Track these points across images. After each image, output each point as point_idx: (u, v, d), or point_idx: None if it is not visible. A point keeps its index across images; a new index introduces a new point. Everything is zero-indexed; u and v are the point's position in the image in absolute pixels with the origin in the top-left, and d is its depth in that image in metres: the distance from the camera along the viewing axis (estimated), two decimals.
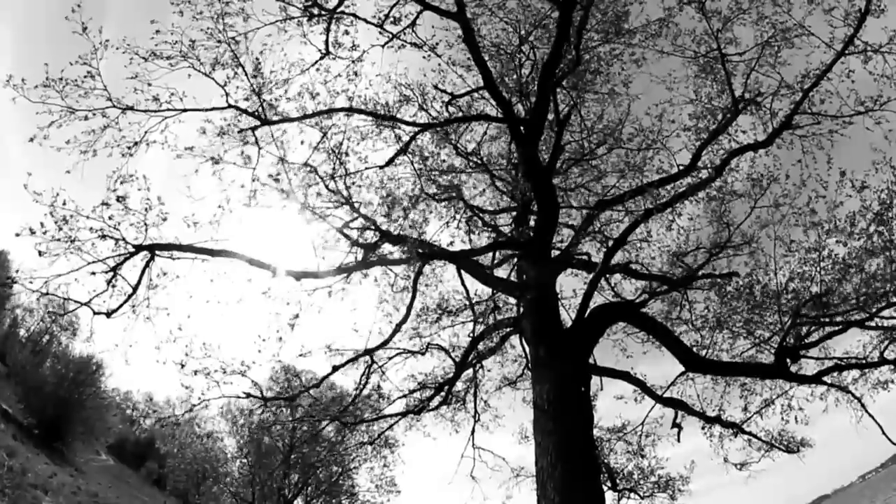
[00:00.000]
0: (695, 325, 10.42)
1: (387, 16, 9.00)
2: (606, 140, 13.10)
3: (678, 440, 12.23)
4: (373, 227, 11.88)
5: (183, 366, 7.56)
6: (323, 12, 9.08)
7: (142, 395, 29.81)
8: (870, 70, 8.84)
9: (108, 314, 6.99)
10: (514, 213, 13.55)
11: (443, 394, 12.55)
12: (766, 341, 9.43)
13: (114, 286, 7.13)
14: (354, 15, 8.97)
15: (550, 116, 11.07)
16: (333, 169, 11.92)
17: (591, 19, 10.48)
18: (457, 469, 14.14)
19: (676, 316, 11.83)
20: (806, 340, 9.33)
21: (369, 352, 10.03)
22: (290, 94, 11.38)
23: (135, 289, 7.17)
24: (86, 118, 7.56)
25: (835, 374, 9.50)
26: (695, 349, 10.95)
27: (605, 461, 12.95)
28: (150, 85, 7.84)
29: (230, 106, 8.55)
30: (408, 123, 10.56)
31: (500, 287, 11.81)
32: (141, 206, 7.14)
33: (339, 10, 8.91)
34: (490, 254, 14.92)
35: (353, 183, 12.22)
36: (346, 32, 9.84)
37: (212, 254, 7.41)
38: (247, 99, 8.75)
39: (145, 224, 7.10)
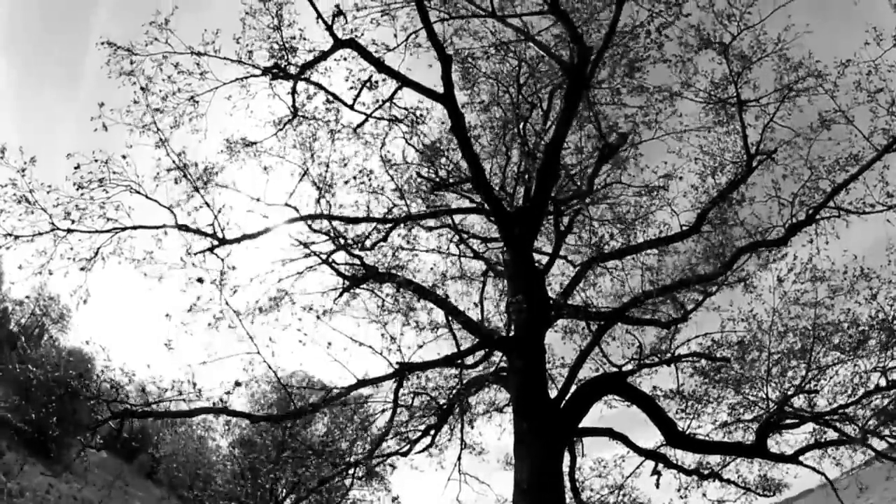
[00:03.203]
0: (681, 394, 10.45)
1: (365, 83, 8.44)
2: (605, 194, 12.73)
3: (657, 486, 12.64)
4: (359, 263, 11.71)
5: None
6: (287, 76, 8.55)
7: (134, 386, 30.22)
8: None
9: (98, 448, 7.02)
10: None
11: (428, 438, 12.76)
12: (751, 420, 9.50)
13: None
14: (320, 86, 8.44)
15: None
16: (318, 195, 11.61)
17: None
18: (444, 491, 14.55)
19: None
20: (788, 421, 9.45)
21: (353, 465, 10.07)
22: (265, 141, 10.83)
23: (118, 433, 7.13)
24: (31, 240, 7.25)
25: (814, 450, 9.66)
26: (678, 415, 11.14)
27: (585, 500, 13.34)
28: (92, 199, 7.47)
29: (180, 227, 8.15)
30: (381, 221, 10.18)
31: (489, 341, 11.76)
32: (106, 382, 6.95)
33: (302, 76, 8.39)
34: (480, 286, 14.84)
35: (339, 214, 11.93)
36: (320, 86, 9.29)
37: (188, 415, 7.30)
38: (200, 207, 8.34)
39: (116, 389, 6.95)
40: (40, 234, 7.34)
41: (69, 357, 22.01)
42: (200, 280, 8.47)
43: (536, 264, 9.83)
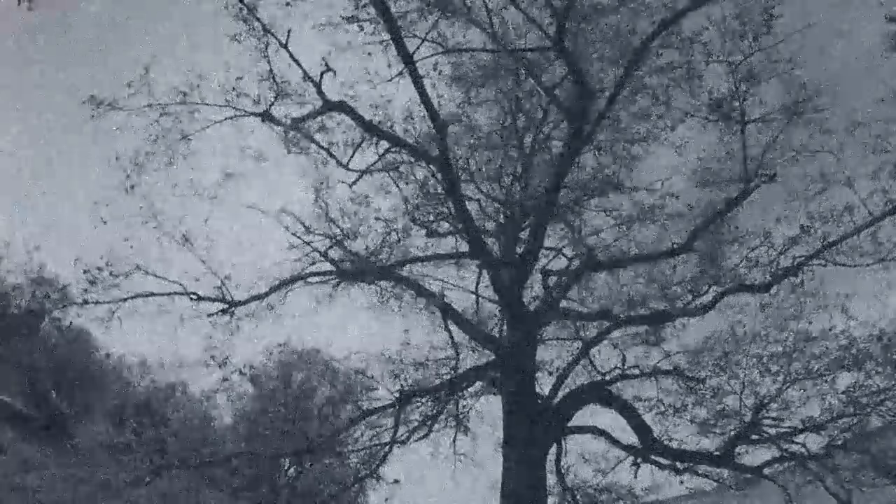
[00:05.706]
0: (661, 405, 11.02)
1: (359, 144, 8.67)
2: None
3: (635, 477, 13.57)
4: (354, 260, 12.12)
5: None
6: (277, 123, 8.77)
7: (136, 358, 30.90)
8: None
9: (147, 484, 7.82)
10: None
11: (426, 428, 13.52)
12: (722, 433, 10.16)
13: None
14: (312, 139, 8.69)
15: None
16: (315, 196, 11.90)
17: None
18: (438, 466, 15.46)
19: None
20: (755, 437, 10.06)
21: (359, 480, 10.74)
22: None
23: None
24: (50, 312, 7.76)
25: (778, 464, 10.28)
26: (656, 418, 11.84)
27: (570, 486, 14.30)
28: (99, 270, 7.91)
29: (190, 295, 8.57)
30: (380, 269, 10.53)
31: (482, 342, 12.32)
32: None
33: (294, 128, 8.64)
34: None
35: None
36: (312, 139, 9.51)
37: (218, 464, 7.91)
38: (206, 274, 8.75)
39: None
40: (57, 307, 7.87)
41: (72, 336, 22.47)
42: None
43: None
